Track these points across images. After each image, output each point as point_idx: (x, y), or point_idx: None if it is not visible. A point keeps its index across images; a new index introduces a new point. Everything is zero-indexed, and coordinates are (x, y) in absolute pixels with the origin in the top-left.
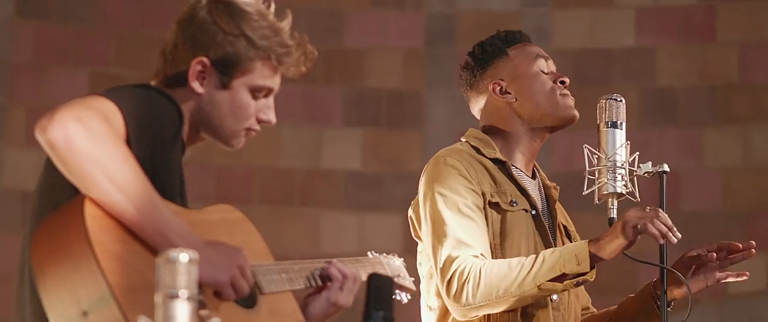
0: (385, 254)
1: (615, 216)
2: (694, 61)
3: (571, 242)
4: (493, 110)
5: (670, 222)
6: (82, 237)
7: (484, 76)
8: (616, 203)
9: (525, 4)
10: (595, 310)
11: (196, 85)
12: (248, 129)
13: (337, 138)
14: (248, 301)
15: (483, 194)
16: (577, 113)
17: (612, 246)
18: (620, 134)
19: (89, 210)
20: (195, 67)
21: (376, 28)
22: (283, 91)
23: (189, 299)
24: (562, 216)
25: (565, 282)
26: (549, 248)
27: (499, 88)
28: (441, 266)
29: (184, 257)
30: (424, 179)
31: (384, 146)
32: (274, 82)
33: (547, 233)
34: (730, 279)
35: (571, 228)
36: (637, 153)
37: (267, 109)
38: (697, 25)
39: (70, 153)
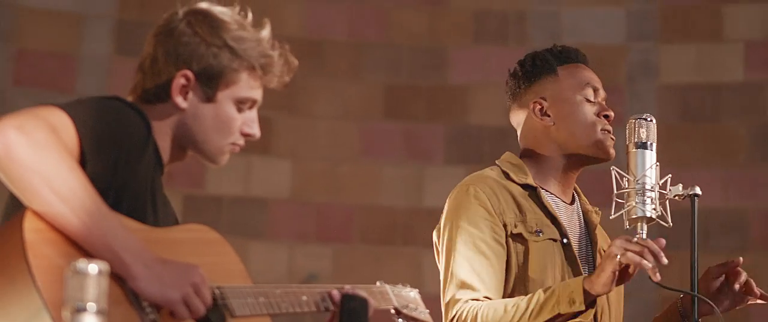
0: (400, 285)
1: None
2: None
3: None
4: (530, 130)
5: (656, 249)
6: (18, 251)
7: (529, 91)
8: (645, 227)
9: (630, 39)
10: None
11: (180, 100)
12: (233, 144)
13: (439, 176)
14: None
15: (505, 225)
16: (613, 152)
17: (601, 280)
18: (650, 155)
19: (30, 223)
20: (178, 80)
21: (479, 64)
22: (385, 129)
23: (98, 313)
24: (604, 241)
25: None
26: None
27: (539, 107)
28: (444, 306)
29: (92, 268)
30: (447, 207)
31: None
32: (259, 93)
33: (577, 262)
34: (759, 301)
35: None
36: (669, 175)
37: (251, 123)
38: None
39: (10, 163)
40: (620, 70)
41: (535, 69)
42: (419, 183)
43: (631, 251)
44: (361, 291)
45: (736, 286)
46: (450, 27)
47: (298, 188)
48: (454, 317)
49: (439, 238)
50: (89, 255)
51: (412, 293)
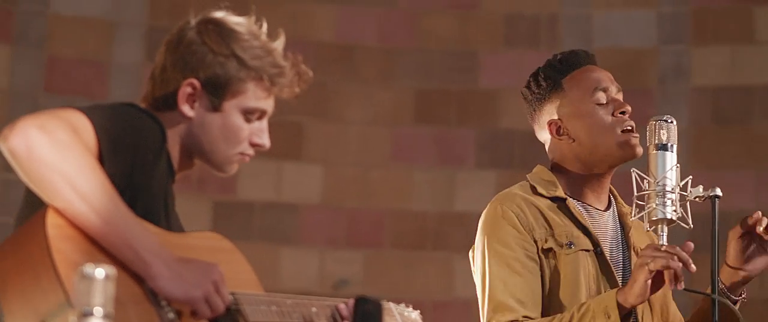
0: (403, 305)
1: (666, 243)
2: None
3: None
4: (555, 148)
5: (685, 256)
6: (42, 246)
7: (542, 112)
8: (666, 229)
9: (662, 42)
10: None
11: (186, 108)
12: (242, 154)
13: (470, 180)
14: None
15: (535, 241)
16: (640, 150)
17: (635, 291)
18: (671, 157)
19: (51, 219)
20: (185, 89)
21: (510, 68)
22: (416, 134)
23: (104, 317)
24: (641, 241)
25: None
26: (615, 285)
27: (556, 128)
28: None
29: (99, 272)
30: (480, 227)
31: None
32: (268, 104)
33: (611, 271)
34: None
35: None
36: (690, 177)
37: (261, 133)
38: None
39: (31, 162)
40: (652, 72)
41: (541, 89)
42: (450, 188)
43: (659, 257)
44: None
45: (759, 229)
46: (481, 31)
47: (329, 193)
48: None
49: (473, 260)
50: (107, 253)
51: (414, 315)
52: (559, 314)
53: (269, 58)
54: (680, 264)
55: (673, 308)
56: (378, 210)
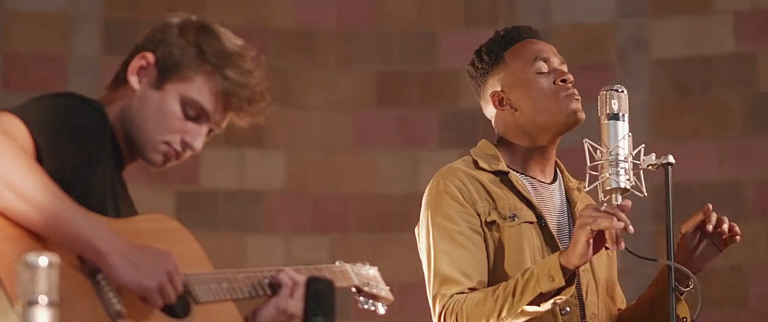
0: (359, 264)
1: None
2: None
3: None
4: (499, 121)
5: (623, 216)
6: None
7: (486, 86)
8: (620, 198)
9: (620, 15)
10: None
11: (134, 80)
12: (168, 144)
13: (434, 160)
14: (181, 311)
15: (479, 214)
16: (582, 115)
17: (577, 252)
18: (622, 126)
19: None
20: (138, 61)
21: (470, 48)
22: (378, 117)
23: (49, 305)
24: None
25: (542, 305)
26: None
27: (499, 100)
28: (431, 303)
29: (43, 260)
30: (423, 203)
31: None
32: (211, 105)
33: (555, 242)
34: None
35: None
36: (643, 145)
37: (195, 135)
38: None
39: None
40: (611, 47)
41: (484, 64)
42: (414, 169)
43: (601, 217)
44: (345, 278)
45: (709, 227)
46: (439, 12)
47: (293, 179)
48: (441, 312)
49: (418, 237)
50: (55, 251)
51: (372, 271)
52: (503, 282)
53: (235, 68)
54: (622, 224)
55: (618, 289)
56: (343, 194)
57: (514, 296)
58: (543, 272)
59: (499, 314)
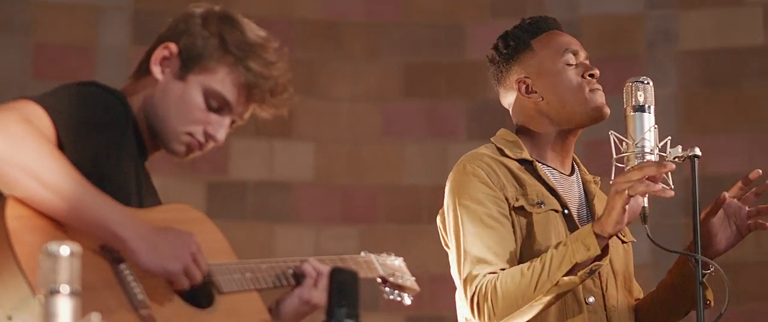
0: (384, 254)
1: (646, 204)
2: None
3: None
4: (521, 109)
5: (661, 173)
6: (2, 239)
7: (510, 72)
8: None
9: (649, 6)
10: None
11: (157, 70)
12: (191, 135)
13: (462, 152)
14: (204, 301)
15: (507, 199)
16: (607, 110)
17: (612, 219)
18: (648, 118)
19: (12, 210)
20: (161, 51)
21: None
22: (406, 108)
23: (71, 294)
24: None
25: (580, 274)
26: None
27: (525, 86)
28: (461, 285)
29: (64, 249)
30: (448, 188)
31: None
32: (234, 97)
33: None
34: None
35: None
36: (669, 138)
37: (218, 126)
38: None
39: None
40: (639, 38)
41: (510, 49)
42: (442, 160)
43: (638, 183)
44: (370, 269)
45: (725, 194)
46: (467, 3)
47: (322, 170)
48: (474, 293)
49: (443, 221)
50: (79, 239)
51: (398, 262)
52: (537, 257)
53: (257, 60)
54: (659, 186)
55: (635, 283)
56: (371, 185)
57: (549, 268)
58: (578, 243)
59: (535, 288)
